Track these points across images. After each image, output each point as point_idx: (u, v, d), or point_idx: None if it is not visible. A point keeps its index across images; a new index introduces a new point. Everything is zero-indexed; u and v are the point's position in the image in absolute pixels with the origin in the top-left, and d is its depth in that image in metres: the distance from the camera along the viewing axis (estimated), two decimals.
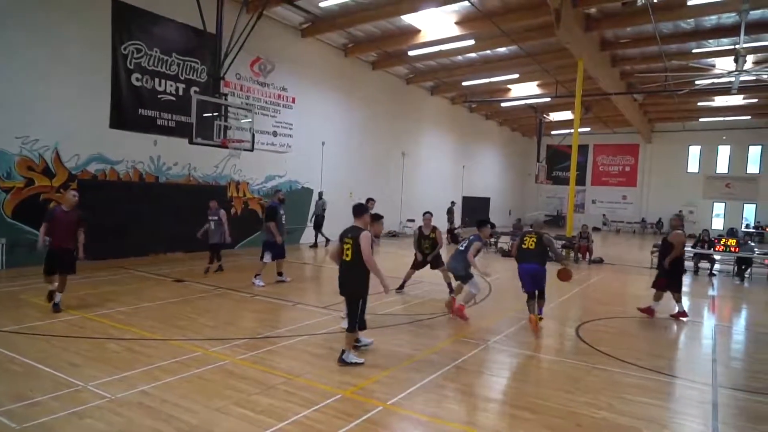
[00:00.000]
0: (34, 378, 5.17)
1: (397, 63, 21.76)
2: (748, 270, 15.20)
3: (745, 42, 15.19)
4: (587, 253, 17.31)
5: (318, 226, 17.92)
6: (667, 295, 9.41)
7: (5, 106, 10.80)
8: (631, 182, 37.68)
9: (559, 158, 35.78)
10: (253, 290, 9.99)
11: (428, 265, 10.30)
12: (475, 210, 31.07)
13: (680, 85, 21.59)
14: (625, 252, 21.87)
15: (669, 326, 9.07)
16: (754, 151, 33.20)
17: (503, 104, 28.94)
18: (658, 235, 30.24)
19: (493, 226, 10.58)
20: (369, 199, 11.34)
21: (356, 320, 6.01)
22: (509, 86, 25.78)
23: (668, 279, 9.32)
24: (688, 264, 16.06)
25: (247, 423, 4.36)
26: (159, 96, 13.65)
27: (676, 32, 17.56)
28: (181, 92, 14.08)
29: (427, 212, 10.59)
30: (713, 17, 16.01)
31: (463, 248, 8.59)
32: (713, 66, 19.93)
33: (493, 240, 20.32)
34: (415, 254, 10.39)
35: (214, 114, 11.30)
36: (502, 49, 19.95)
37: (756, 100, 25.96)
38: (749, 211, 33.48)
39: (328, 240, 17.56)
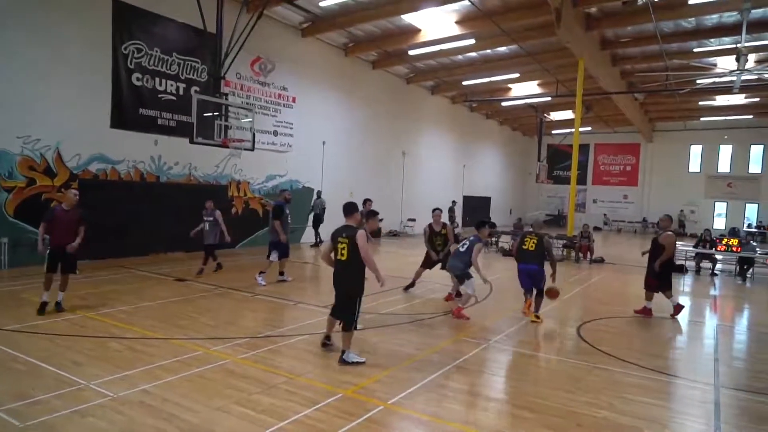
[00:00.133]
0: (37, 376, 5.18)
1: (397, 62, 21.76)
2: (750, 270, 15.19)
3: (746, 41, 15.17)
4: (588, 253, 17.30)
5: (316, 226, 17.95)
6: (659, 295, 9.40)
7: (6, 105, 10.81)
8: (632, 182, 37.66)
9: (560, 157, 35.76)
10: (254, 290, 10.00)
11: (438, 265, 10.18)
12: (476, 209, 31.08)
13: (681, 84, 21.58)
14: (626, 251, 21.84)
15: (670, 326, 9.06)
16: (756, 151, 33.16)
17: (504, 104, 28.93)
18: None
19: (493, 225, 10.62)
20: (366, 200, 11.32)
21: (355, 319, 6.02)
22: (510, 85, 25.77)
23: (659, 280, 9.28)
24: (690, 264, 16.12)
25: (248, 422, 4.37)
26: (159, 96, 13.66)
27: (677, 31, 17.54)
28: (181, 92, 14.09)
29: (437, 209, 10.57)
30: (714, 16, 16.00)
31: (463, 249, 8.70)
32: (715, 65, 19.91)
33: (493, 239, 20.34)
34: (428, 253, 10.25)
35: (215, 113, 11.30)
36: (503, 49, 19.94)
37: (758, 99, 25.94)
38: (751, 211, 33.43)
39: (321, 241, 17.60)
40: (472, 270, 8.60)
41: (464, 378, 5.76)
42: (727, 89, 21.25)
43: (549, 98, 25.26)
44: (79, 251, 7.75)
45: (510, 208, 37.87)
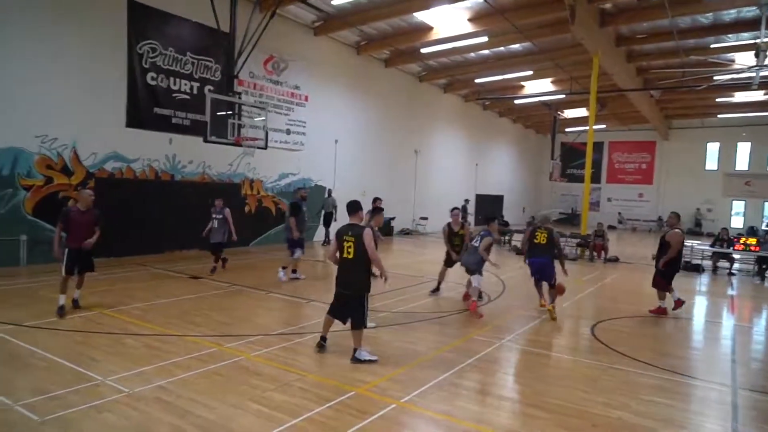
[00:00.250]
0: (55, 372, 5.26)
1: (409, 60, 21.72)
2: None
3: (766, 36, 14.89)
4: (602, 252, 17.15)
5: (327, 224, 18.01)
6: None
7: (24, 105, 10.98)
8: (647, 180, 37.21)
9: (574, 156, 35.44)
10: (267, 287, 10.05)
11: (459, 263, 10.14)
12: (489, 208, 30.93)
13: (698, 80, 21.21)
14: (641, 250, 21.59)
15: (686, 326, 8.96)
16: None
17: (517, 101, 28.76)
18: None
19: (506, 224, 10.62)
20: (376, 198, 11.32)
21: (364, 316, 6.06)
22: (523, 83, 25.59)
23: (665, 278, 9.22)
24: (707, 263, 15.91)
25: (263, 419, 4.39)
26: (174, 95, 13.78)
27: (693, 27, 17.27)
28: (195, 91, 14.20)
29: (455, 208, 10.52)
30: (733, 11, 15.74)
31: (477, 244, 8.92)
32: (733, 61, 19.55)
33: (506, 238, 20.26)
34: (447, 252, 10.15)
35: (228, 112, 11.36)
36: (516, 46, 19.80)
37: None
38: None
39: (329, 240, 17.65)
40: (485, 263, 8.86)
41: (477, 377, 5.74)
42: (745, 86, 20.84)
43: (563, 96, 25.05)
44: (94, 249, 7.75)
45: (523, 207, 37.66)
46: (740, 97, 25.61)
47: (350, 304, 6.05)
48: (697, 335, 8.66)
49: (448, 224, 10.19)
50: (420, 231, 24.68)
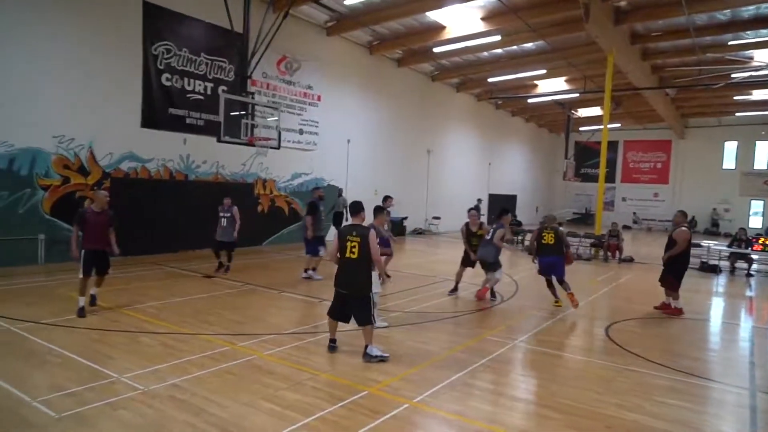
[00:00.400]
0: (71, 369, 5.34)
1: (422, 60, 21.68)
2: None
3: None
4: (617, 252, 16.98)
5: (337, 224, 18.06)
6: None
7: (42, 106, 11.15)
8: (663, 179, 36.76)
9: (588, 155, 35.13)
10: (280, 287, 10.10)
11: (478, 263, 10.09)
12: (502, 207, 30.76)
13: (715, 78, 20.95)
14: (656, 251, 21.32)
15: (703, 328, 8.84)
16: None
17: (530, 101, 28.57)
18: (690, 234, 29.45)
19: (519, 224, 10.66)
20: (387, 197, 11.34)
21: (372, 313, 6.09)
22: (536, 82, 25.42)
23: (675, 275, 9.23)
24: (724, 264, 15.68)
25: (275, 418, 4.42)
26: (188, 95, 13.90)
27: (710, 24, 17.00)
28: (209, 91, 14.31)
29: (472, 208, 10.51)
30: (751, 8, 15.46)
31: (490, 237, 9.33)
32: (751, 58, 19.28)
33: (519, 238, 20.15)
34: (466, 252, 10.10)
35: (242, 112, 11.44)
36: (529, 45, 19.68)
37: None
38: None
39: None
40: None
41: (490, 377, 5.72)
42: (764, 83, 20.56)
43: (576, 94, 24.84)
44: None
45: (536, 206, 37.41)
46: (759, 94, 25.19)
47: (351, 303, 6.07)
48: (714, 337, 8.53)
49: (466, 224, 10.17)
50: (433, 231, 24.64)
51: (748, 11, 15.91)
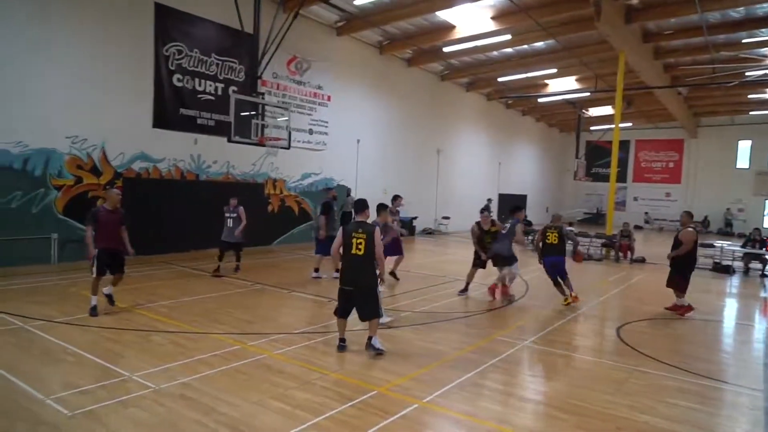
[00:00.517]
0: (84, 367, 5.40)
1: (432, 60, 21.65)
2: None
3: None
4: (629, 252, 16.84)
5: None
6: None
7: (56, 107, 11.27)
8: (675, 179, 36.38)
9: (599, 154, 34.85)
10: (290, 286, 10.13)
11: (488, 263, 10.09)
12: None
13: (729, 77, 20.70)
14: (668, 251, 21.16)
15: (716, 329, 8.74)
16: None
17: (541, 100, 28.40)
18: (703, 234, 29.16)
19: (530, 224, 10.67)
20: (396, 196, 11.33)
21: (379, 306, 6.26)
22: (547, 81, 25.28)
23: (682, 276, 9.21)
24: (738, 265, 15.49)
25: (285, 417, 4.43)
26: (199, 96, 13.99)
27: (725, 21, 16.80)
28: (220, 92, 14.39)
29: (484, 210, 10.48)
30: (765, 5, 15.24)
31: (505, 231, 9.45)
32: (766, 56, 19.02)
33: (530, 238, 20.03)
34: (477, 253, 10.04)
35: (252, 113, 11.49)
36: (540, 44, 19.58)
37: None
38: None
39: None
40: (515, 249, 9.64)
41: (500, 377, 5.69)
42: None
43: (588, 94, 24.65)
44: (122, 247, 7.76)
45: (547, 206, 37.18)
46: None
47: (356, 299, 6.16)
48: (727, 338, 8.44)
49: (477, 223, 10.10)
50: (442, 231, 24.59)
51: (763, 9, 15.69)
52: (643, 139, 37.13)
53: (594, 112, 30.15)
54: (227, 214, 11.11)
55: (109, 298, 7.73)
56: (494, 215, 26.70)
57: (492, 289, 9.69)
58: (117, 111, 12.32)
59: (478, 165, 28.55)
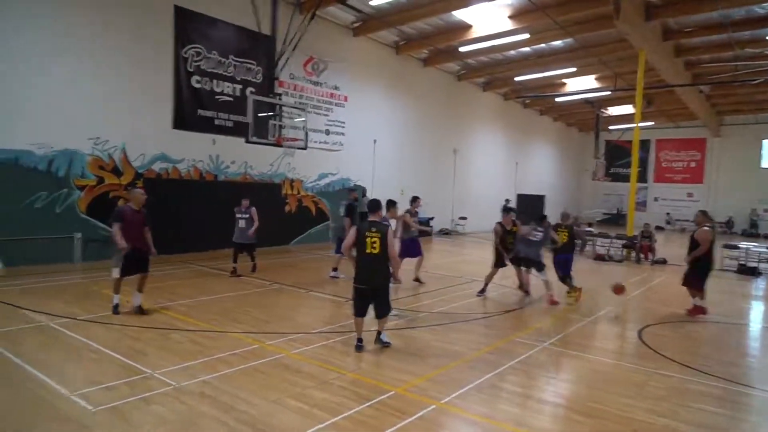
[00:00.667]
0: (107, 364, 5.49)
1: (448, 59, 21.58)
2: None
3: None
4: (649, 254, 16.60)
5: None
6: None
7: (79, 109, 11.48)
8: (697, 179, 35.74)
9: (619, 154, 34.41)
10: (307, 286, 10.19)
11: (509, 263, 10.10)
12: (530, 208, 30.36)
13: (753, 74, 20.27)
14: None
15: (742, 332, 8.57)
16: None
17: (559, 99, 28.14)
18: (728, 235, 28.61)
19: (546, 218, 10.62)
20: (415, 198, 11.33)
21: (389, 303, 6.47)
22: (565, 80, 25.04)
23: (698, 276, 9.06)
24: (764, 267, 15.17)
25: (303, 416, 4.46)
26: (217, 97, 14.14)
27: (749, 18, 16.44)
28: (237, 93, 14.52)
29: (509, 210, 10.42)
30: None
31: (538, 239, 9.50)
32: None
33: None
34: (498, 253, 10.01)
35: (269, 113, 11.56)
36: (558, 43, 19.41)
37: None
38: None
39: None
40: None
41: (518, 379, 5.65)
42: None
43: (607, 93, 24.36)
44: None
45: (565, 207, 36.72)
46: None
47: (372, 297, 6.29)
48: (753, 342, 8.26)
49: (500, 224, 10.12)
50: (459, 231, 24.50)
51: None
52: (663, 139, 36.56)
53: (613, 111, 29.77)
54: (239, 215, 11.10)
55: (139, 308, 7.56)
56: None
57: (552, 300, 9.49)
58: (138, 112, 12.52)
59: (495, 165, 28.39)
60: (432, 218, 21.90)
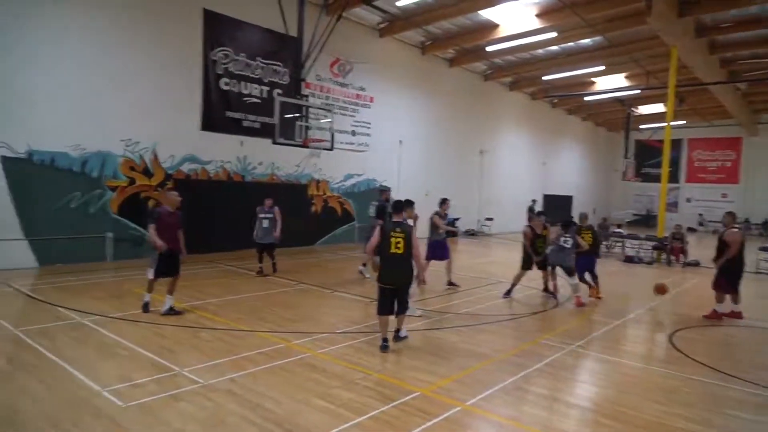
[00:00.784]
0: (137, 361, 5.61)
1: (474, 59, 21.44)
2: None
3: None
4: (681, 256, 16.17)
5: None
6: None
7: (112, 112, 11.80)
8: (732, 179, 34.67)
9: (650, 154, 33.65)
10: (333, 286, 10.24)
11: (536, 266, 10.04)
12: (557, 209, 29.93)
13: None
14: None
15: None
16: None
17: (588, 98, 27.66)
18: (765, 237, 27.69)
19: (574, 224, 10.47)
20: (444, 200, 11.28)
21: (407, 302, 6.59)
22: (594, 79, 24.61)
23: (727, 279, 8.78)
24: None
25: (329, 416, 4.47)
26: (245, 99, 14.34)
27: None
28: (265, 94, 14.70)
29: (540, 215, 10.35)
30: None
31: (569, 245, 9.51)
32: None
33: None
34: (527, 255, 9.94)
35: (296, 115, 11.67)
36: (587, 41, 19.09)
37: None
38: None
39: None
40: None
41: (545, 382, 5.57)
42: None
43: (637, 91, 23.84)
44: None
45: (594, 207, 36.15)
46: None
47: (403, 295, 6.40)
48: None
49: (530, 227, 10.09)
50: (485, 232, 24.30)
51: None
52: (696, 138, 35.60)
53: (644, 110, 29.13)
54: (262, 215, 11.03)
55: (170, 309, 7.55)
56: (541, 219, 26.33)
57: (579, 302, 9.47)
58: (167, 115, 12.78)
59: (522, 165, 28.08)
60: (458, 219, 21.79)
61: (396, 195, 17.97)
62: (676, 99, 19.94)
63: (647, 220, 34.88)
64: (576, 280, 9.51)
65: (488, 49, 19.66)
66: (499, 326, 7.86)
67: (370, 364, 5.82)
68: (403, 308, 6.50)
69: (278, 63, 15.00)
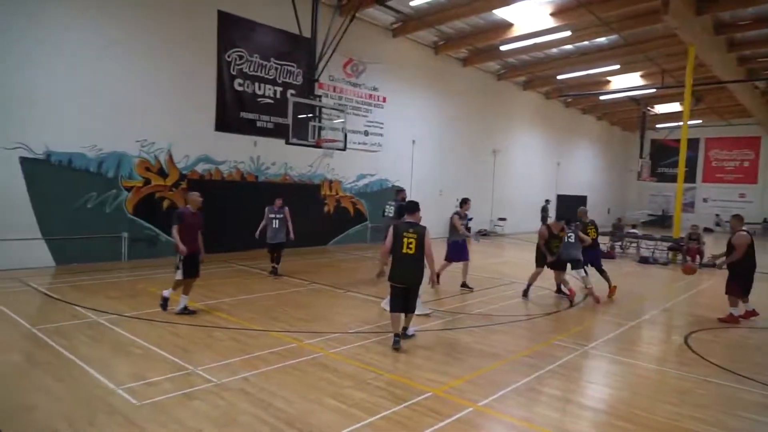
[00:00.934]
0: (151, 360, 5.68)
1: (488, 59, 21.33)
2: None
3: None
4: (697, 256, 15.96)
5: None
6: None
7: (128, 112, 11.94)
8: (750, 179, 34.09)
9: (666, 153, 33.19)
10: (345, 286, 10.26)
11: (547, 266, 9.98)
12: (571, 209, 29.63)
13: None
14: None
15: None
16: None
17: (603, 97, 27.39)
18: None
19: (576, 221, 10.54)
20: (464, 200, 11.25)
21: (416, 302, 6.68)
22: (609, 78, 24.37)
23: (738, 282, 8.75)
24: None
25: (341, 416, 4.49)
26: (258, 99, 14.43)
27: None
28: (278, 95, 14.78)
29: (561, 219, 10.34)
30: None
31: (573, 240, 9.75)
32: None
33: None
34: (541, 253, 9.89)
35: (309, 115, 11.72)
36: (602, 39, 18.90)
37: None
38: None
39: None
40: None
41: (558, 383, 5.53)
42: None
43: (653, 90, 23.56)
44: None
45: (608, 208, 35.82)
46: None
47: (413, 295, 6.51)
48: None
49: (548, 226, 10.03)
50: (498, 232, 24.18)
51: None
52: (714, 137, 35.08)
53: (660, 109, 28.77)
54: (272, 215, 11.02)
55: (184, 309, 7.59)
56: (551, 218, 26.14)
57: (595, 298, 9.47)
58: (182, 115, 12.91)
59: (536, 165, 27.89)
60: (471, 219, 21.66)
61: (409, 195, 18.03)
62: (693, 98, 19.66)
63: (663, 220, 34.46)
64: (583, 272, 9.66)
65: (502, 48, 19.56)
66: (512, 327, 7.83)
67: (382, 364, 5.83)
68: (413, 306, 6.58)
69: (292, 64, 15.08)
